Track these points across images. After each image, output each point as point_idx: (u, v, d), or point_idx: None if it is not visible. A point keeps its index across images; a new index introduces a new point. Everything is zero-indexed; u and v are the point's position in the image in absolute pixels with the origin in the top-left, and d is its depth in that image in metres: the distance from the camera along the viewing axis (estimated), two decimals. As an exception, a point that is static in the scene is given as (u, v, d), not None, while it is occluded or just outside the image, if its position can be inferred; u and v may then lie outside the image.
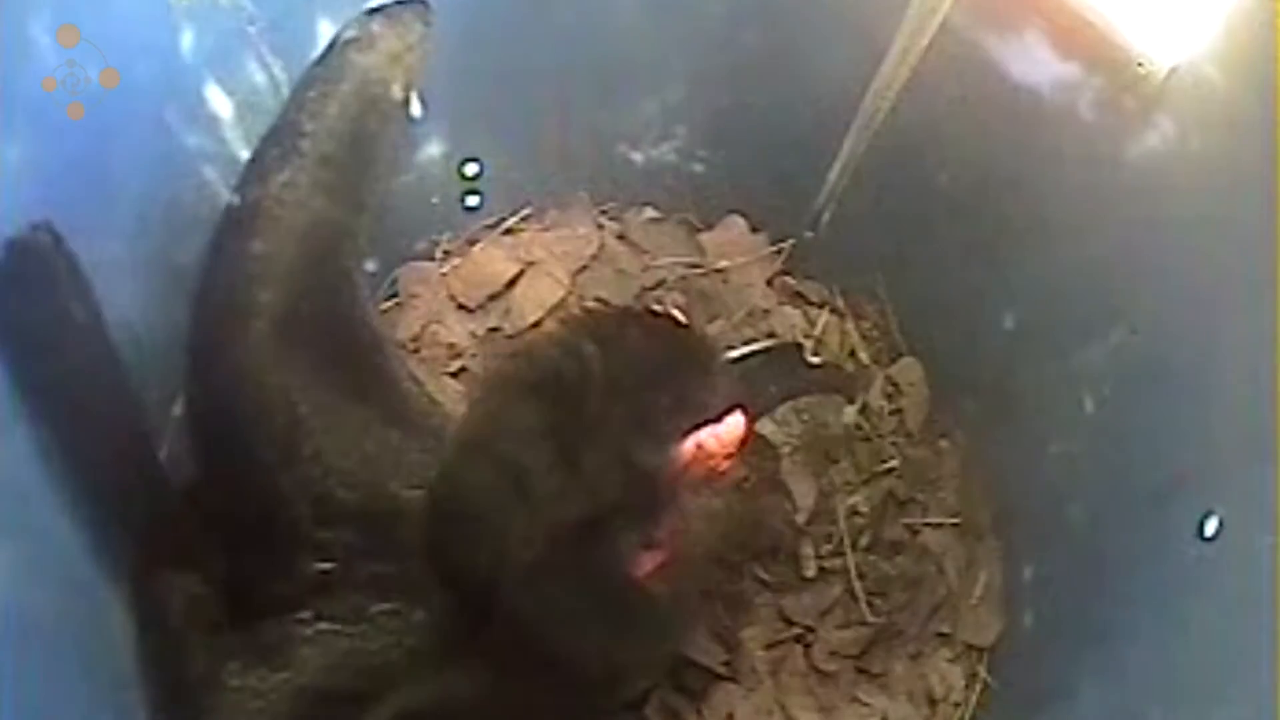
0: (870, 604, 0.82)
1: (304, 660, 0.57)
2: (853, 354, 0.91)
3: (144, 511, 0.63)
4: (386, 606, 0.57)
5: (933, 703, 0.80)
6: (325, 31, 0.72)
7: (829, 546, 0.83)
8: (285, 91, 0.72)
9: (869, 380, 0.89)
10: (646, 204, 0.94)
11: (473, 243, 0.92)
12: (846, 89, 0.79)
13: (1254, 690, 0.51)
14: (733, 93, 0.86)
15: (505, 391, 0.55)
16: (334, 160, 0.65)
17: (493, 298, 0.90)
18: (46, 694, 0.53)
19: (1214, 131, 0.63)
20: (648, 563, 0.56)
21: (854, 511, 0.84)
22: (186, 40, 0.67)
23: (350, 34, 0.69)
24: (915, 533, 0.85)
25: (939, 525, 0.86)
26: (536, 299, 0.89)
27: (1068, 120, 0.71)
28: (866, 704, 0.80)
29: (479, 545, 0.53)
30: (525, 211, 0.93)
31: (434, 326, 0.88)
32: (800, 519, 0.83)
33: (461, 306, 0.89)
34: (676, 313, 0.58)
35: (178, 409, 0.67)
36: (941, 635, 0.82)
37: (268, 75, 0.72)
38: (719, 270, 0.92)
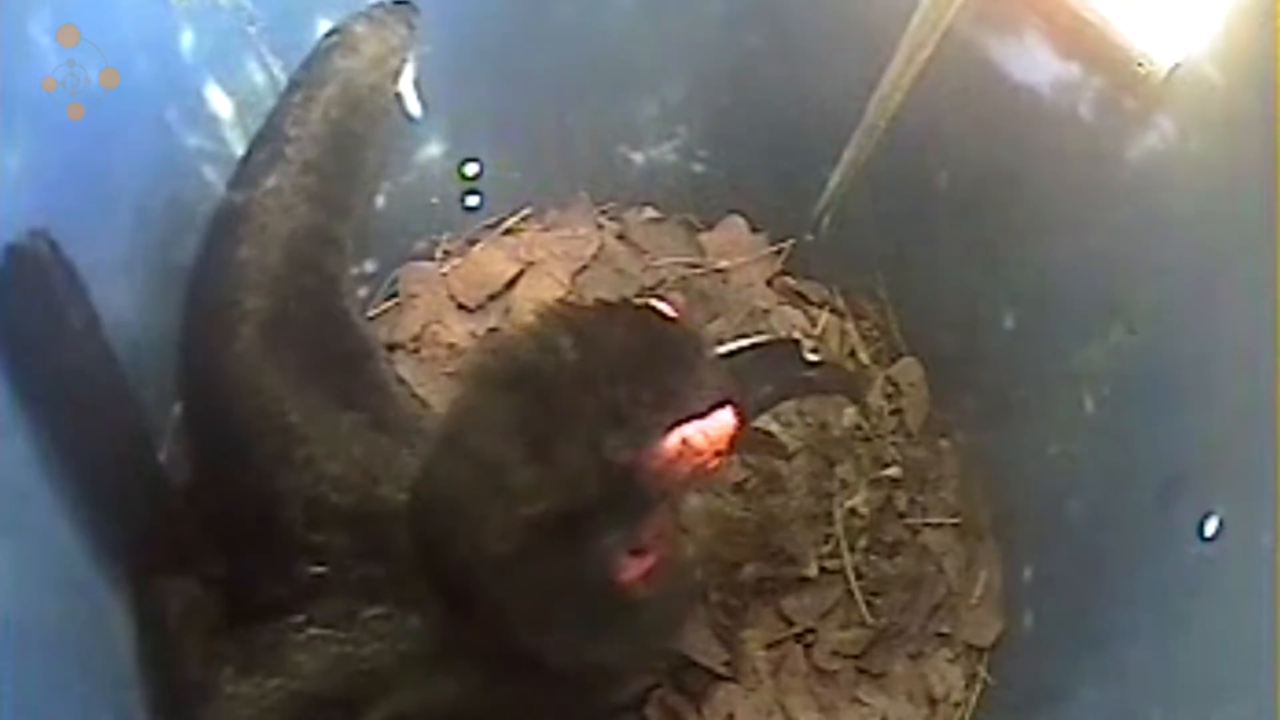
0: (870, 604, 0.82)
1: (297, 666, 0.57)
2: (853, 354, 0.91)
3: (143, 514, 0.63)
4: (379, 610, 0.57)
5: (933, 703, 0.80)
6: (324, 31, 0.72)
7: (829, 546, 0.83)
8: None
9: (870, 380, 0.89)
10: (646, 204, 0.94)
11: (473, 243, 0.92)
12: (847, 89, 0.79)
13: (1254, 690, 0.51)
14: (733, 93, 0.86)
15: (479, 386, 0.55)
16: (318, 166, 0.65)
17: (493, 298, 0.90)
18: (46, 694, 0.53)
19: (1214, 131, 0.63)
20: (634, 568, 0.55)
21: (854, 512, 0.84)
22: (186, 40, 0.67)
23: (333, 38, 0.69)
24: (915, 533, 0.85)
25: (939, 525, 0.86)
26: (536, 299, 0.89)
27: (1068, 120, 0.71)
28: (867, 704, 0.80)
29: (456, 539, 0.53)
30: (525, 211, 0.93)
31: (434, 326, 0.88)
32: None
33: (461, 306, 0.89)
34: (665, 306, 0.56)
35: (177, 409, 0.67)
36: (941, 635, 0.82)
37: (268, 75, 0.72)
38: (719, 270, 0.92)
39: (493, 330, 0.89)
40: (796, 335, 0.64)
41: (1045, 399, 0.78)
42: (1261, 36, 0.58)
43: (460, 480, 0.54)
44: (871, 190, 0.84)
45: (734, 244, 0.94)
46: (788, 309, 0.92)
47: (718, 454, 0.54)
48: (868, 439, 0.87)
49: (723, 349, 0.58)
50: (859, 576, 0.82)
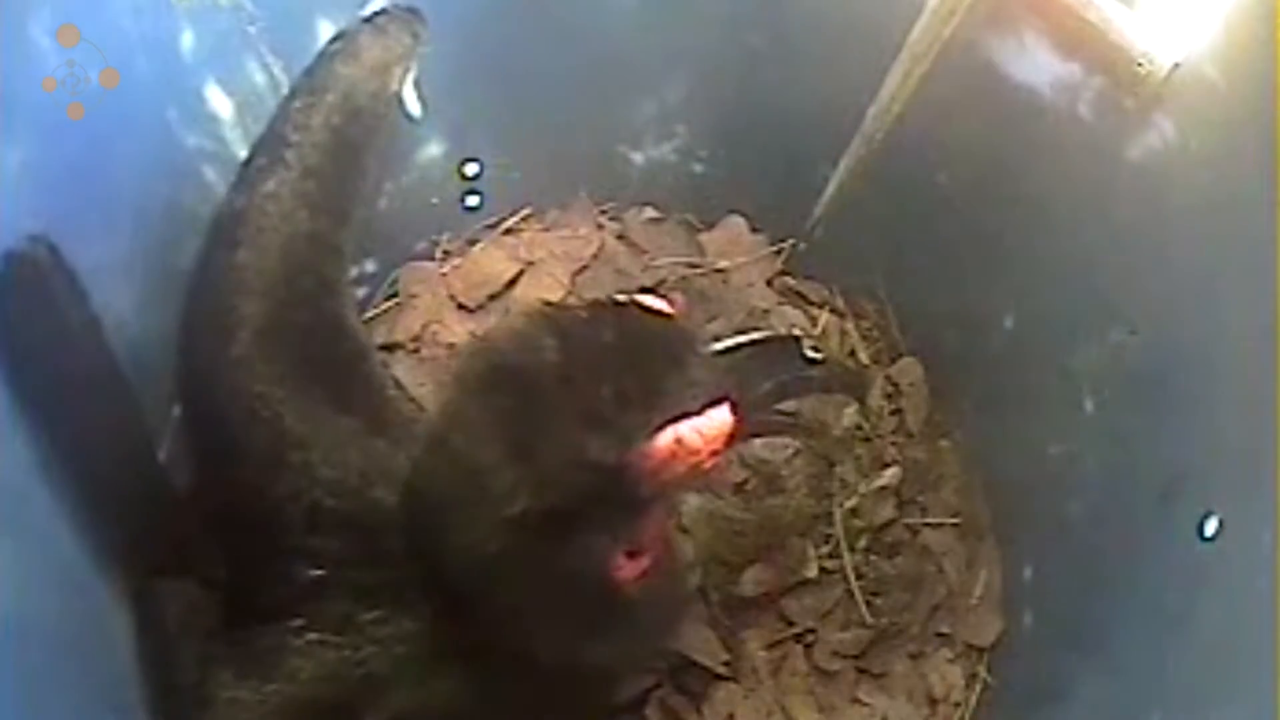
0: (870, 604, 0.82)
1: (295, 670, 0.57)
2: (853, 354, 0.91)
3: (142, 516, 0.63)
4: (375, 614, 0.57)
5: (933, 703, 0.80)
6: (325, 32, 0.72)
7: (829, 547, 0.83)
8: (285, 92, 0.72)
9: (870, 379, 0.89)
10: (646, 204, 0.94)
11: (473, 243, 0.92)
12: (847, 89, 0.79)
13: (1254, 690, 0.51)
14: (733, 93, 0.86)
15: (464, 387, 0.55)
16: (318, 172, 0.65)
17: (493, 298, 0.90)
18: (46, 694, 0.53)
19: (1214, 131, 0.63)
20: (628, 567, 0.55)
21: (854, 512, 0.84)
22: (186, 40, 0.67)
23: (336, 45, 0.69)
24: (915, 533, 0.85)
25: (939, 525, 0.86)
26: (536, 299, 0.89)
27: (1068, 120, 0.71)
28: (867, 704, 0.80)
29: (444, 540, 0.53)
30: (525, 211, 0.93)
31: (434, 326, 0.88)
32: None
33: (461, 306, 0.89)
34: (659, 301, 0.56)
35: (177, 411, 0.67)
36: (941, 635, 0.82)
37: (268, 75, 0.72)
38: (719, 270, 0.92)
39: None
40: (797, 332, 0.62)
41: (1045, 399, 0.78)
42: (1261, 36, 0.58)
43: (445, 481, 0.54)
44: (872, 190, 0.84)
45: (734, 244, 0.94)
46: (788, 309, 0.92)
47: (714, 452, 0.53)
48: (868, 439, 0.87)
49: (720, 345, 0.57)
50: (859, 576, 0.82)
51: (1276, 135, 0.57)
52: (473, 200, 0.90)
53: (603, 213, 0.94)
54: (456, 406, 0.55)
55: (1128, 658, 0.65)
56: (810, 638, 0.81)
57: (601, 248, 0.92)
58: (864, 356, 0.91)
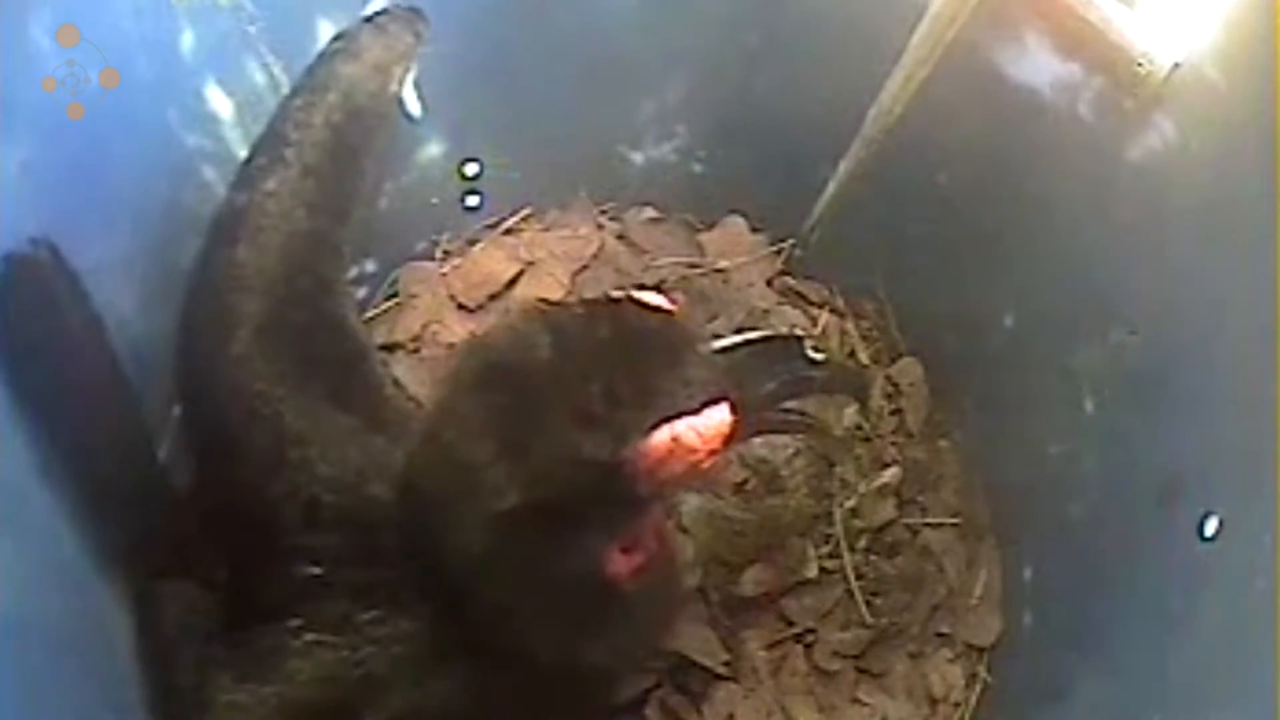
0: (870, 604, 0.82)
1: (293, 672, 0.57)
2: (853, 354, 0.91)
3: (142, 516, 0.63)
4: (373, 614, 0.57)
5: (933, 702, 0.80)
6: (325, 32, 0.72)
7: (829, 547, 0.83)
8: (285, 91, 0.72)
9: (872, 379, 0.89)
10: (646, 204, 0.94)
11: (473, 243, 0.92)
12: (847, 89, 0.79)
13: (1254, 690, 0.51)
14: (732, 93, 0.86)
15: (457, 383, 0.55)
16: (318, 171, 0.65)
17: (493, 298, 0.90)
18: (47, 693, 0.53)
19: (1214, 131, 0.63)
20: (622, 564, 0.54)
21: (854, 512, 0.84)
22: (186, 40, 0.67)
23: (337, 45, 0.69)
24: (915, 533, 0.85)
25: (939, 525, 0.86)
26: (536, 299, 0.89)
27: (1068, 120, 0.71)
28: (867, 704, 0.80)
29: (436, 535, 0.53)
30: (525, 211, 0.93)
31: (434, 326, 0.88)
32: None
33: (461, 306, 0.89)
34: (659, 299, 0.55)
35: (177, 410, 0.67)
36: (941, 635, 0.82)
37: (268, 75, 0.72)
38: (719, 270, 0.92)
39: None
40: (799, 332, 0.61)
41: (1045, 399, 0.78)
42: (1261, 36, 0.58)
43: (438, 477, 0.54)
44: (872, 190, 0.84)
45: (734, 244, 0.94)
46: (788, 309, 0.92)
47: (712, 452, 0.53)
48: (868, 439, 0.87)
49: (720, 343, 0.56)
50: (859, 576, 0.82)
51: (1276, 135, 0.57)
52: (473, 200, 0.90)
53: (603, 213, 0.94)
54: (450, 403, 0.55)
55: (1128, 658, 0.65)
56: (810, 638, 0.81)
57: (601, 248, 0.92)
58: (864, 356, 0.91)
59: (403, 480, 0.57)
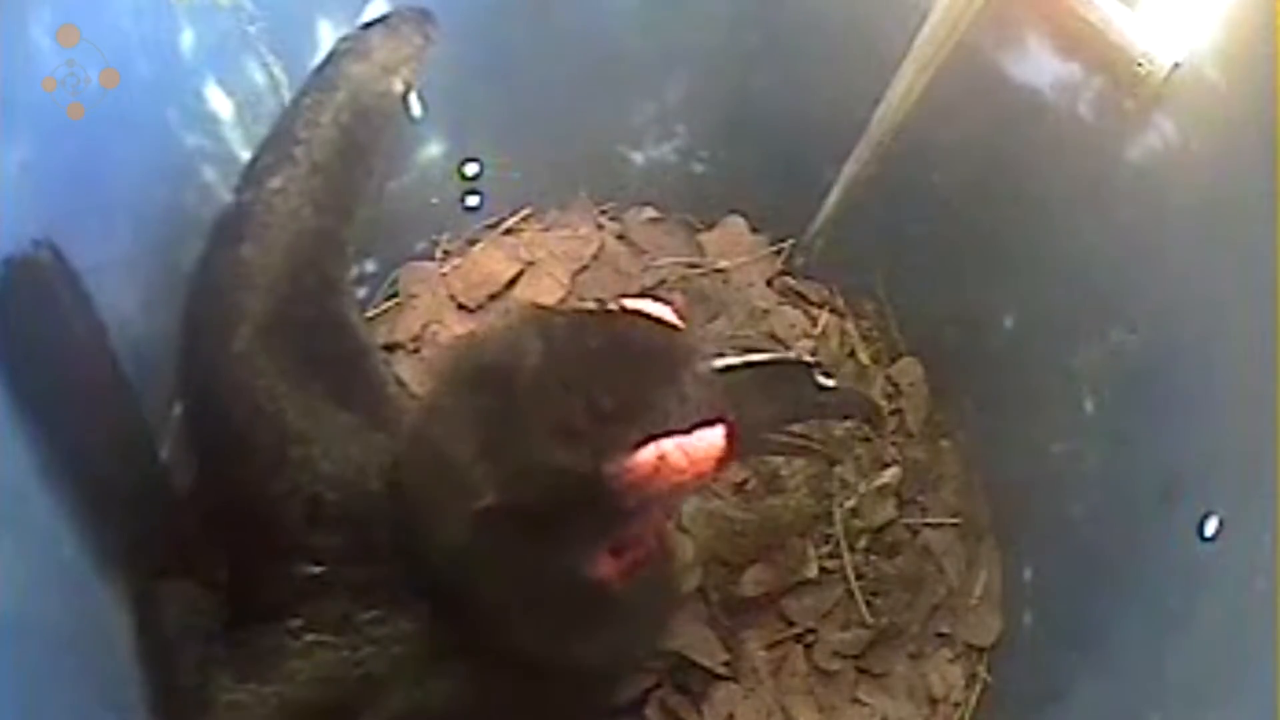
0: (870, 604, 0.82)
1: (293, 672, 0.57)
2: (853, 354, 0.91)
3: (143, 517, 0.63)
4: (373, 614, 0.57)
5: (933, 703, 0.80)
6: (325, 32, 0.72)
7: (829, 547, 0.83)
8: (285, 91, 0.72)
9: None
10: (646, 204, 0.94)
11: (473, 243, 0.92)
12: (847, 88, 0.79)
13: (1254, 690, 0.51)
14: (733, 93, 0.86)
15: (446, 381, 0.55)
16: (325, 169, 0.65)
17: (493, 298, 0.90)
18: (46, 693, 0.53)
19: (1214, 131, 0.63)
20: (610, 565, 0.54)
21: (854, 512, 0.84)
22: (186, 40, 0.67)
23: (347, 44, 0.69)
24: (915, 533, 0.85)
25: (939, 525, 0.86)
26: (536, 299, 0.89)
27: (1068, 120, 0.71)
28: (867, 704, 0.80)
29: (420, 529, 0.54)
30: (525, 211, 0.93)
31: (434, 326, 0.88)
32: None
33: (461, 306, 0.89)
34: (666, 311, 0.54)
35: (177, 410, 0.67)
36: (941, 635, 0.82)
37: (268, 75, 0.72)
38: (719, 270, 0.92)
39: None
40: (809, 358, 0.58)
41: (1045, 399, 0.78)
42: (1261, 36, 0.58)
43: (422, 473, 0.54)
44: (872, 191, 0.84)
45: (734, 244, 0.94)
46: (788, 309, 0.92)
47: (701, 474, 0.51)
48: (868, 439, 0.87)
49: (724, 362, 0.55)
50: (859, 576, 0.82)
51: (1276, 135, 0.57)
52: (473, 200, 0.90)
53: (603, 213, 0.94)
54: (438, 400, 0.55)
55: (1128, 658, 0.65)
56: (810, 638, 0.81)
57: (601, 248, 0.92)
58: (864, 356, 0.91)
59: (390, 475, 0.57)
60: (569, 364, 0.51)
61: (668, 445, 0.50)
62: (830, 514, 0.84)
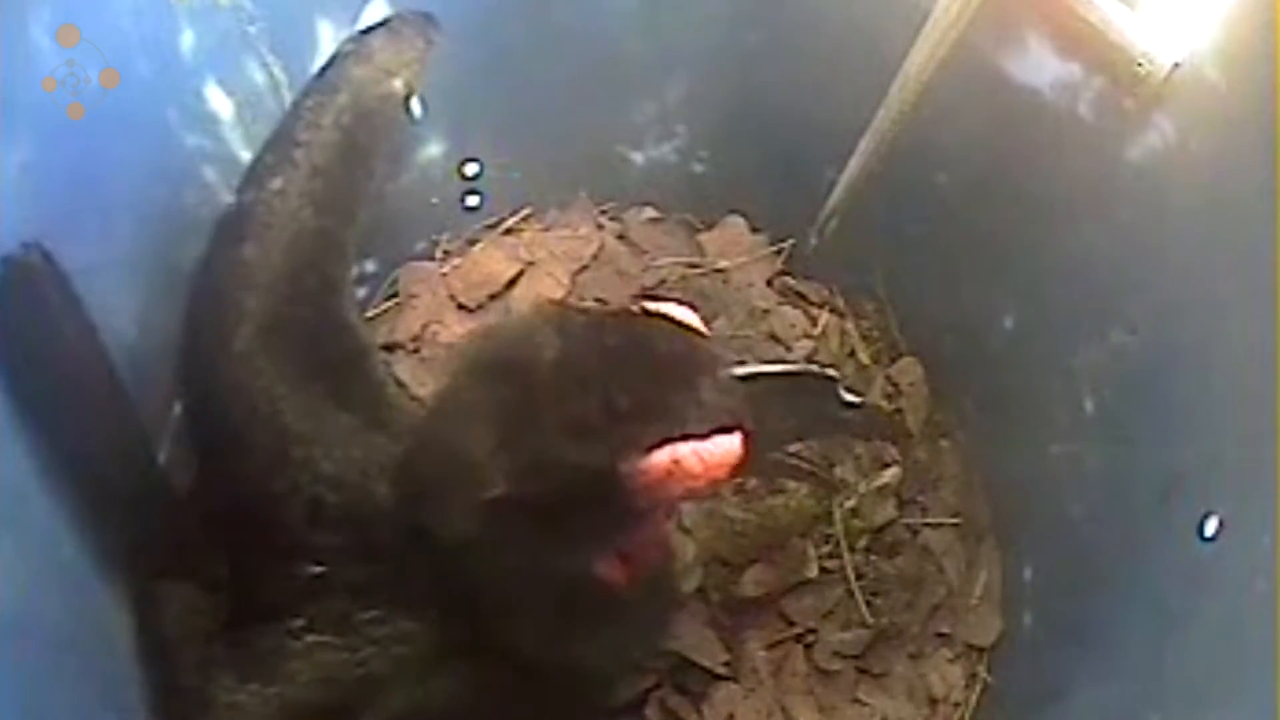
0: (870, 604, 0.82)
1: (294, 673, 0.57)
2: (853, 354, 0.91)
3: (143, 518, 0.63)
4: (374, 614, 0.58)
5: (933, 703, 0.80)
6: (325, 33, 0.72)
7: (829, 547, 0.83)
8: (285, 91, 0.72)
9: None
10: (646, 204, 0.94)
11: (473, 243, 0.92)
12: (848, 88, 0.79)
13: (1254, 691, 0.51)
14: (733, 93, 0.86)
15: (461, 370, 0.55)
16: (326, 171, 0.66)
17: (493, 298, 0.90)
18: (46, 694, 0.53)
19: (1214, 131, 0.63)
20: (615, 567, 0.54)
21: (854, 512, 0.84)
22: (186, 40, 0.67)
23: (349, 47, 0.69)
24: (915, 533, 0.85)
25: (939, 525, 0.86)
26: (536, 299, 0.89)
27: (1068, 120, 0.71)
28: (867, 704, 0.80)
29: (428, 520, 0.53)
30: (525, 211, 0.93)
31: (434, 326, 0.88)
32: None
33: (461, 306, 0.89)
34: (690, 316, 0.54)
35: (177, 410, 0.67)
36: (941, 635, 0.82)
37: (268, 75, 0.72)
38: (719, 270, 0.92)
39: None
40: (833, 372, 0.58)
41: (1045, 399, 0.78)
42: (1261, 36, 0.58)
43: (432, 461, 0.54)
44: (872, 190, 0.84)
45: (734, 244, 0.94)
46: (788, 309, 0.92)
47: (714, 480, 0.51)
48: (868, 439, 0.87)
49: (746, 370, 0.54)
50: (859, 576, 0.82)
51: (1276, 135, 0.57)
52: (473, 200, 0.90)
53: (603, 213, 0.94)
54: (453, 388, 0.55)
55: (1128, 658, 0.65)
56: (810, 638, 0.81)
57: (601, 248, 0.92)
58: (864, 356, 0.91)
59: (399, 464, 0.57)
60: (586, 361, 0.51)
61: (683, 449, 0.50)
62: (830, 514, 0.84)
